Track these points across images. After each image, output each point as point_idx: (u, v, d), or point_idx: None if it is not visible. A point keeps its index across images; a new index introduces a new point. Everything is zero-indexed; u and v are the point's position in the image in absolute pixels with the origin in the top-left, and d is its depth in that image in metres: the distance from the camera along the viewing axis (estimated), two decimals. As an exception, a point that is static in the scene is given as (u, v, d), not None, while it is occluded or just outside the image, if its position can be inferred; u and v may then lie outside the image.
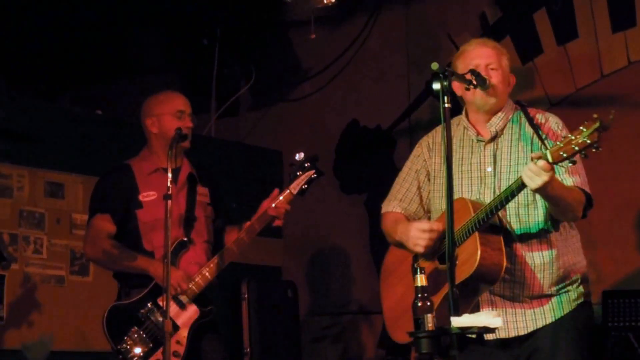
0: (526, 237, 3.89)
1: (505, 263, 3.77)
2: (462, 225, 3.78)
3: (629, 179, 6.15)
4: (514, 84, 4.06)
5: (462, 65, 3.95)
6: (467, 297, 3.78)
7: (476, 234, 3.76)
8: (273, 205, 4.78)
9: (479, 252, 3.72)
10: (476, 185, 3.97)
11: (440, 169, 4.10)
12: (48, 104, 7.32)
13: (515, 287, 3.90)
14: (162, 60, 8.37)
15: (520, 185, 3.63)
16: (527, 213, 3.89)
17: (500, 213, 3.82)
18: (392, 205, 4.25)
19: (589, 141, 3.30)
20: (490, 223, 3.80)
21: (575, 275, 3.98)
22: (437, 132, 4.17)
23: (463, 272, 3.73)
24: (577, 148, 3.34)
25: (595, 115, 3.31)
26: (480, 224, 3.75)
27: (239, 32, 7.99)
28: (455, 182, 3.83)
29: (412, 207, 4.20)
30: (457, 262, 3.65)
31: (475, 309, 3.88)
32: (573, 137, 3.34)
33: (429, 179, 4.17)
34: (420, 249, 3.93)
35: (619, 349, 5.11)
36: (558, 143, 3.40)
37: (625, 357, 5.07)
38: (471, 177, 3.99)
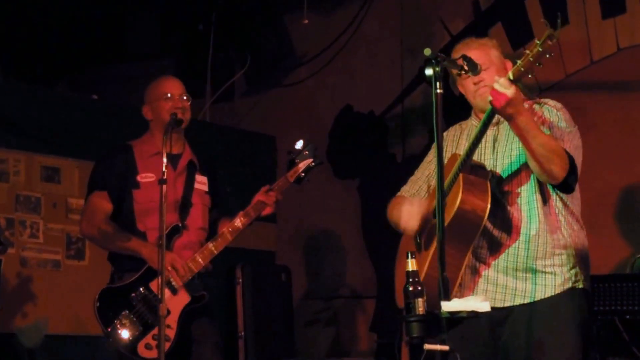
0: (513, 207, 3.90)
1: (489, 205, 3.79)
2: (451, 173, 3.85)
3: (617, 163, 6.19)
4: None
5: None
6: (458, 248, 3.79)
7: (460, 177, 3.81)
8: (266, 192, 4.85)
9: (460, 195, 3.77)
10: None
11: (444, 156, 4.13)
12: (44, 88, 7.32)
13: (499, 254, 3.91)
14: (157, 45, 8.39)
15: (492, 110, 3.69)
16: (515, 184, 3.91)
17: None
18: (402, 191, 4.30)
19: (541, 49, 3.50)
20: (477, 166, 3.88)
21: (566, 256, 3.90)
22: (450, 130, 4.21)
23: (448, 215, 3.75)
24: (532, 59, 3.52)
25: (542, 20, 3.58)
26: (463, 164, 3.83)
27: (234, 17, 8.01)
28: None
29: (420, 194, 4.21)
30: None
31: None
32: (529, 52, 3.53)
33: None
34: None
35: (605, 333, 5.17)
36: (518, 61, 3.56)
37: (611, 340, 5.12)
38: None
